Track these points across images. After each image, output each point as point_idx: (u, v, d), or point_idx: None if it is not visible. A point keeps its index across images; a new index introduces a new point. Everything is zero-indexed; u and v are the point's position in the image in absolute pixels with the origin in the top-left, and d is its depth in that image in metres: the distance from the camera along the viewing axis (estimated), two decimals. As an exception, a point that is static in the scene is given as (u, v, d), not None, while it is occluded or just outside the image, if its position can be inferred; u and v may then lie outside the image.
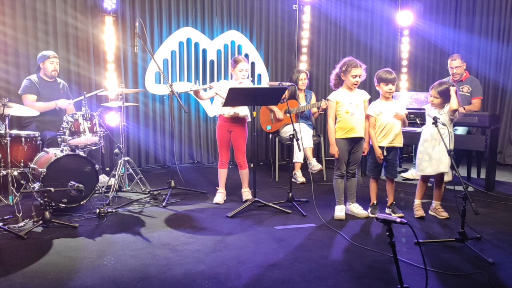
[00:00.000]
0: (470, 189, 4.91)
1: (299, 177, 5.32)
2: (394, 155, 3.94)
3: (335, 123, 3.91)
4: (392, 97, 3.96)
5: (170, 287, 2.62)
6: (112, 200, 4.32)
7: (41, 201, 3.70)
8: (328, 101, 3.95)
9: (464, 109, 5.16)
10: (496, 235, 3.50)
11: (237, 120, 4.35)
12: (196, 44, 6.22)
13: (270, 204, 4.15)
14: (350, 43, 7.01)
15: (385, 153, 3.89)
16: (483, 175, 5.16)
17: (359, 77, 3.84)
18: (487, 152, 4.73)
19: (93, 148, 4.62)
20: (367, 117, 3.91)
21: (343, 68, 3.87)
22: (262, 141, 6.72)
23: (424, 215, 3.93)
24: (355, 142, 3.90)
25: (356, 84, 3.86)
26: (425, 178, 3.99)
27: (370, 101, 4.01)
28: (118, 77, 5.69)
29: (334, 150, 3.89)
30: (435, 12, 7.20)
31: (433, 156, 3.82)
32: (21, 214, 3.78)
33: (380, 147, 3.87)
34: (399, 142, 3.92)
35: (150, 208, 4.22)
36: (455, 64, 5.32)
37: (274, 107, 5.46)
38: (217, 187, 4.56)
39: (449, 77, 5.50)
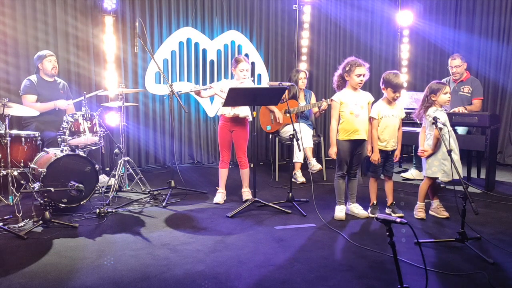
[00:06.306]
0: (470, 189, 4.90)
1: (299, 177, 5.32)
2: (393, 155, 3.97)
3: (338, 124, 3.87)
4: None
5: (170, 287, 2.63)
6: (112, 200, 4.32)
7: (41, 201, 3.70)
8: (332, 101, 3.93)
9: (466, 109, 5.18)
10: (496, 235, 3.50)
11: (238, 120, 4.35)
12: (196, 44, 6.22)
13: (270, 204, 4.15)
14: (350, 43, 7.01)
15: (390, 153, 3.91)
16: (483, 175, 5.16)
17: (363, 76, 3.80)
18: (487, 152, 4.73)
19: (93, 148, 4.62)
20: (371, 119, 3.89)
21: (347, 68, 3.82)
22: (262, 141, 6.72)
23: (425, 218, 3.92)
24: (358, 144, 3.87)
25: (360, 84, 3.81)
26: (431, 181, 3.93)
27: (373, 102, 3.99)
28: (118, 77, 5.69)
29: (332, 151, 3.86)
30: (435, 12, 7.20)
31: (445, 162, 3.80)
32: (21, 214, 3.78)
33: (383, 150, 3.88)
34: (395, 144, 3.95)
35: (150, 208, 4.22)
36: (455, 64, 5.33)
37: (274, 109, 5.46)
38: (217, 187, 4.56)
39: (449, 77, 5.51)
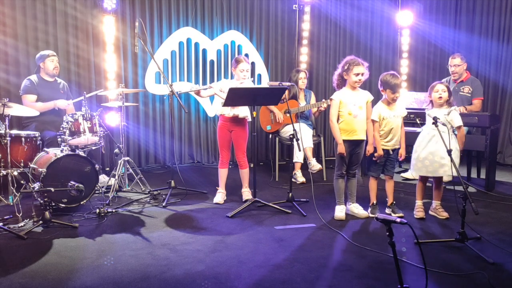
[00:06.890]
0: (470, 189, 4.90)
1: (299, 177, 5.32)
2: (395, 154, 3.97)
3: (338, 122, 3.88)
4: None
5: (170, 287, 2.63)
6: (112, 200, 4.33)
7: (41, 201, 3.70)
8: (331, 100, 3.93)
9: (466, 109, 5.18)
10: (496, 235, 3.50)
11: (237, 120, 4.35)
12: (196, 44, 6.22)
13: (270, 204, 4.15)
14: (350, 43, 7.01)
15: (391, 153, 3.92)
16: (483, 175, 5.16)
17: (362, 75, 3.80)
18: (487, 152, 4.73)
19: (93, 148, 4.62)
20: (372, 121, 3.89)
21: (345, 67, 3.83)
22: (262, 141, 6.72)
23: (425, 217, 3.92)
24: (356, 144, 3.88)
25: (358, 83, 3.82)
26: (423, 179, 3.99)
27: (373, 102, 3.98)
28: (118, 77, 5.69)
29: (342, 149, 3.83)
30: (435, 12, 7.20)
31: (424, 157, 3.83)
32: (21, 214, 3.78)
33: (385, 149, 3.88)
34: (398, 143, 3.95)
35: (150, 208, 4.22)
36: (454, 63, 5.34)
37: (274, 109, 5.46)
38: (217, 187, 4.56)
39: (449, 77, 5.51)
